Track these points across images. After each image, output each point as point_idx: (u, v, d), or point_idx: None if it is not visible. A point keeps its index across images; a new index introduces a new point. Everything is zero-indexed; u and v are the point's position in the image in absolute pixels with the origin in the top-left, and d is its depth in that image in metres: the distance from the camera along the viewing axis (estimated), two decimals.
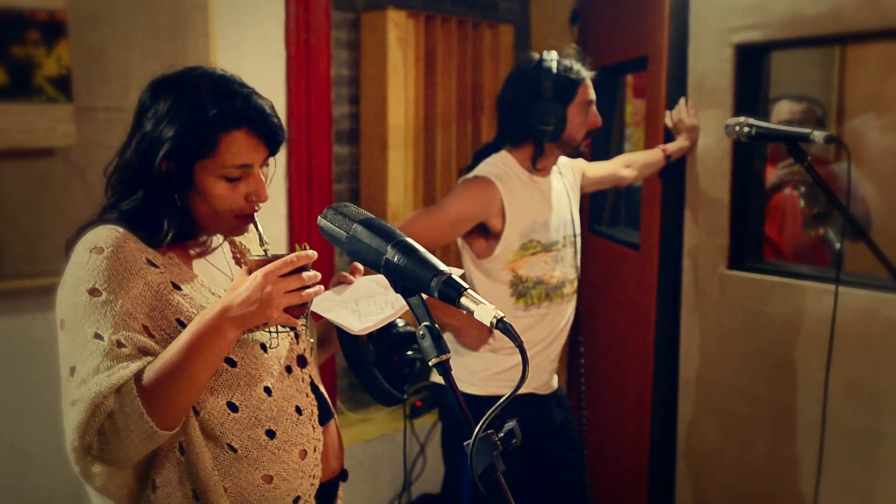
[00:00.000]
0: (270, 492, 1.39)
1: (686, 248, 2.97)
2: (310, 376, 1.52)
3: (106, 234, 1.33)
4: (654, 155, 2.85)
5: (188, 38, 2.59)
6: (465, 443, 0.94)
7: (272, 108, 1.40)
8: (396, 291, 1.07)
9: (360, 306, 1.49)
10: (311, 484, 1.46)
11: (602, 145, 3.79)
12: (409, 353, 1.55)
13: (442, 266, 1.02)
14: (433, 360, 1.00)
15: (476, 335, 2.38)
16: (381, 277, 1.54)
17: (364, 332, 1.45)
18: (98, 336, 1.25)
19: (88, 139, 2.42)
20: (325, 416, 1.51)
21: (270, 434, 1.40)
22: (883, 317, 2.35)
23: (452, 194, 2.42)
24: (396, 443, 3.41)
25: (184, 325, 1.32)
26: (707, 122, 2.81)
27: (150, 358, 1.27)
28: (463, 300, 0.98)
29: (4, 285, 2.35)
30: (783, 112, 3.00)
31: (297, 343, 1.50)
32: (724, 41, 2.73)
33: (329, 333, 1.64)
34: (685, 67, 2.90)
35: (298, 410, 1.45)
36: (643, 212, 3.21)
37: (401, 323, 1.58)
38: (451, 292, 0.99)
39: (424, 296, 1.07)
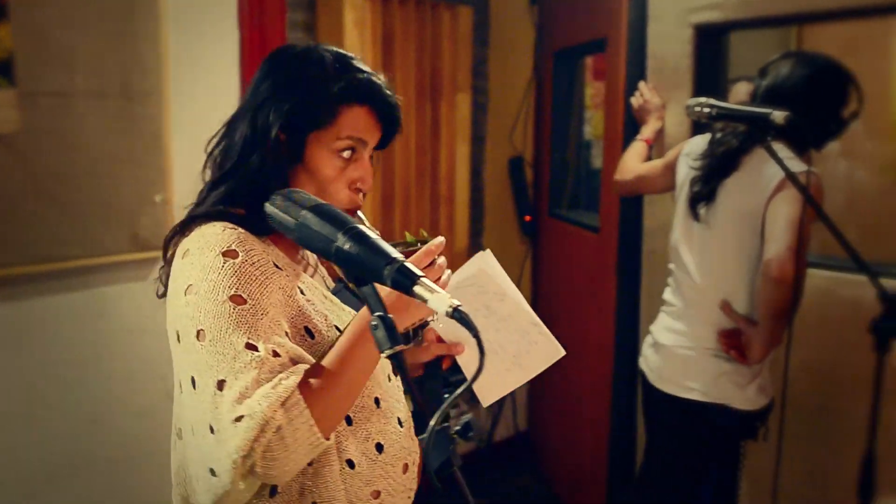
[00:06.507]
0: None
1: (646, 229, 2.96)
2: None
3: (235, 237, 1.21)
4: (643, 150, 2.79)
5: (137, 20, 2.51)
6: (420, 437, 0.91)
7: (391, 89, 1.33)
8: (349, 281, 1.03)
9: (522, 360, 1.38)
10: (409, 497, 1.37)
11: (561, 128, 3.77)
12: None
13: (395, 253, 0.98)
14: (387, 351, 0.96)
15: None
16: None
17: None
18: (251, 346, 1.13)
19: (32, 125, 2.33)
20: (418, 428, 1.41)
21: (379, 448, 1.31)
22: (839, 297, 2.37)
23: (796, 202, 2.04)
24: None
25: (310, 333, 1.26)
26: (667, 104, 2.80)
27: (304, 366, 1.18)
28: (417, 288, 0.94)
29: None
30: (741, 94, 2.99)
31: None
32: (683, 22, 2.72)
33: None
34: (644, 49, 2.88)
35: (399, 422, 1.36)
36: (602, 194, 3.20)
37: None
38: (405, 280, 0.95)
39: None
